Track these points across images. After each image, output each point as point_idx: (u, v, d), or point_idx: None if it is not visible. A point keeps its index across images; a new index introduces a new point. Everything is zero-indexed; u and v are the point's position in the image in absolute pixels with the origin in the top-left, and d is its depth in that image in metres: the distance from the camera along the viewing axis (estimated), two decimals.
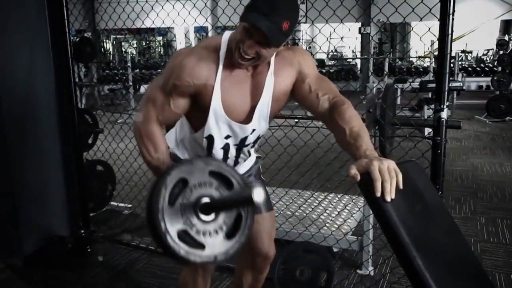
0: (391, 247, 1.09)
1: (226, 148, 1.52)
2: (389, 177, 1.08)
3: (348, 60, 14.37)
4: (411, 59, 14.05)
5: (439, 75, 1.88)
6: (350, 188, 2.81)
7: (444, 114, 1.91)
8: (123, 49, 15.46)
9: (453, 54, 4.67)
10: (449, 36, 1.82)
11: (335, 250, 2.72)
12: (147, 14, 2.92)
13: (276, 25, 1.24)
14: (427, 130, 5.13)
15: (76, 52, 2.94)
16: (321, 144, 2.60)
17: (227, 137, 1.49)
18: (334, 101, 1.41)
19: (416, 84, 6.08)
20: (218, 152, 1.52)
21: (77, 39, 3.49)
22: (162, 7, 2.83)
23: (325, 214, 2.91)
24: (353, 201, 3.18)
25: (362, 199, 2.88)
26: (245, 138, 1.52)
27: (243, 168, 1.64)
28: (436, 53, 2.17)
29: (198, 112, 1.45)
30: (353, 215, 2.94)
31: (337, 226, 2.75)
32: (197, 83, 1.38)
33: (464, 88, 7.20)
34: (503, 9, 12.55)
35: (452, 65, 7.66)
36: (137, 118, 1.46)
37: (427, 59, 12.26)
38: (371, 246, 2.54)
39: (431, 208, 1.19)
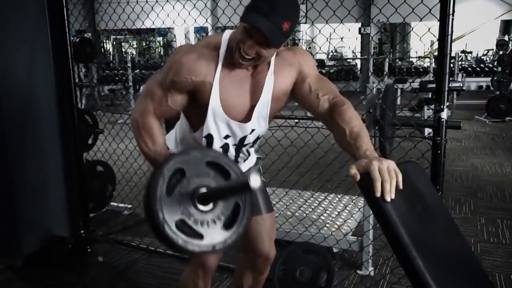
0: (391, 248, 1.09)
1: (225, 147, 1.52)
2: (389, 177, 1.08)
3: (348, 60, 14.37)
4: (411, 59, 14.06)
5: (439, 75, 1.88)
6: (350, 189, 2.81)
7: (444, 114, 1.91)
8: (123, 50, 15.46)
9: (453, 54, 4.68)
10: (449, 36, 1.82)
11: (335, 250, 2.72)
12: (147, 15, 2.92)
13: (277, 26, 1.24)
14: (427, 131, 5.14)
15: (76, 52, 2.94)
16: (321, 144, 2.60)
17: (226, 137, 1.49)
18: (334, 102, 1.41)
19: (416, 85, 6.08)
20: None
21: (77, 40, 3.49)
22: (162, 7, 2.83)
23: (325, 215, 2.91)
24: (353, 201, 3.18)
25: (362, 199, 2.88)
26: (244, 137, 1.52)
27: (242, 168, 1.64)
28: (436, 53, 2.17)
29: (197, 110, 1.46)
30: (353, 215, 2.94)
31: (337, 227, 2.75)
32: (195, 80, 1.38)
33: (464, 88, 7.21)
34: (503, 9, 12.56)
35: (452, 65, 7.68)
36: (135, 111, 1.47)
37: (427, 60, 12.26)
38: (371, 246, 2.54)
39: (431, 209, 1.19)
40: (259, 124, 1.50)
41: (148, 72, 12.68)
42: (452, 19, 1.81)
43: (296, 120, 2.92)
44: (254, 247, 1.71)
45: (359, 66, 13.67)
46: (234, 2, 2.35)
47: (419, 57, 13.76)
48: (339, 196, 3.24)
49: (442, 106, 1.90)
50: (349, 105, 1.38)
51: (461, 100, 8.71)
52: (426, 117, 6.16)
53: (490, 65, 12.48)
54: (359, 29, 11.10)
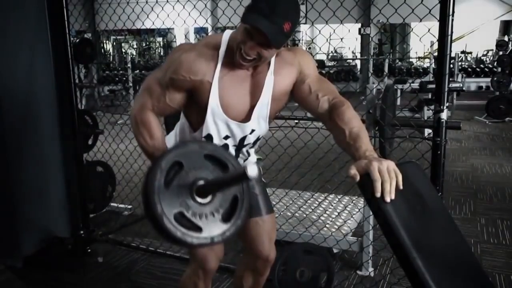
0: (391, 248, 1.09)
1: (225, 148, 1.52)
2: (388, 177, 1.08)
3: (348, 61, 14.37)
4: (411, 60, 14.06)
5: (439, 76, 1.88)
6: (350, 189, 2.81)
7: (444, 115, 1.91)
8: (123, 50, 15.47)
9: (452, 54, 4.67)
10: (449, 36, 1.82)
11: (335, 251, 2.72)
12: (147, 15, 2.92)
13: (278, 26, 1.24)
14: (427, 131, 5.13)
15: (76, 53, 2.93)
16: (321, 145, 2.60)
17: (226, 137, 1.49)
18: (333, 102, 1.41)
19: (416, 85, 6.09)
20: None
21: (77, 40, 3.48)
22: (162, 8, 2.83)
23: (325, 215, 2.91)
24: (353, 202, 3.18)
25: (362, 200, 2.88)
26: (244, 138, 1.52)
27: None
28: (435, 53, 2.17)
29: (196, 110, 1.46)
30: (353, 216, 2.94)
31: (337, 227, 2.75)
32: (193, 79, 1.39)
33: (463, 88, 7.21)
34: (503, 10, 12.56)
35: (452, 65, 7.69)
36: (133, 106, 1.48)
37: (427, 60, 12.27)
38: (371, 247, 2.53)
39: (431, 209, 1.19)
40: (259, 124, 1.50)
41: (148, 72, 12.65)
42: (452, 20, 1.81)
43: (296, 121, 2.92)
44: (254, 249, 1.71)
45: (359, 66, 13.68)
46: (234, 2, 2.35)
47: (419, 58, 13.76)
48: (339, 197, 3.24)
49: (442, 107, 1.90)
50: (349, 106, 1.39)
51: (461, 101, 8.72)
52: (426, 118, 6.16)
53: (490, 66, 12.47)
54: (359, 29, 11.12)
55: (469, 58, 14.15)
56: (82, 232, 2.87)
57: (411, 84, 6.80)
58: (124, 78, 8.97)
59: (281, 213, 2.98)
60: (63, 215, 2.93)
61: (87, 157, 3.29)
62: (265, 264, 1.75)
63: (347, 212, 2.98)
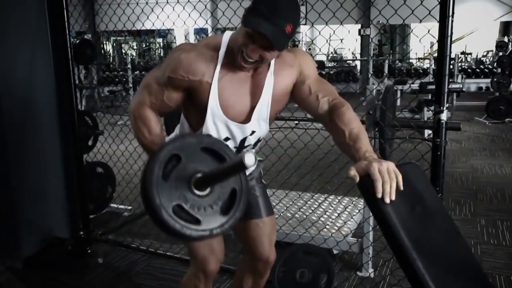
0: (391, 249, 1.09)
1: None
2: (388, 178, 1.08)
3: (348, 61, 14.39)
4: (410, 60, 14.07)
5: (439, 77, 1.88)
6: (350, 190, 2.81)
7: (444, 116, 1.91)
8: (123, 51, 15.48)
9: (452, 55, 4.68)
10: (449, 37, 1.82)
11: (335, 252, 2.72)
12: (147, 16, 2.93)
13: (280, 29, 1.24)
14: (427, 132, 5.14)
15: (76, 54, 2.93)
16: (321, 146, 2.60)
17: (226, 139, 1.49)
18: (333, 103, 1.41)
19: (415, 86, 6.08)
20: None
21: (77, 41, 3.49)
22: (162, 9, 2.83)
23: (325, 216, 2.91)
24: (353, 203, 3.18)
25: (362, 201, 2.88)
26: (244, 139, 1.51)
27: None
28: (435, 54, 2.17)
29: (196, 111, 1.46)
30: (353, 217, 2.94)
31: (337, 228, 2.75)
32: (192, 79, 1.39)
33: (463, 89, 7.21)
34: (503, 11, 12.57)
35: (451, 66, 7.70)
36: (132, 103, 1.49)
37: (426, 61, 12.28)
38: (371, 248, 2.53)
39: (431, 210, 1.19)
40: (259, 125, 1.50)
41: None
42: (452, 21, 1.81)
43: (296, 122, 2.92)
44: (254, 250, 1.70)
45: (359, 67, 13.68)
46: (234, 3, 2.35)
47: (419, 59, 13.77)
48: (339, 198, 3.24)
49: (441, 108, 1.90)
50: (349, 107, 1.39)
51: (461, 102, 8.71)
52: (426, 119, 6.17)
53: (490, 67, 12.49)
54: (359, 30, 11.12)
55: (469, 59, 14.16)
56: (82, 233, 2.87)
57: (411, 85, 6.81)
58: (124, 79, 8.97)
59: (281, 214, 2.98)
60: (63, 215, 2.93)
61: (87, 158, 3.30)
62: (265, 266, 1.75)
63: (347, 213, 2.98)
